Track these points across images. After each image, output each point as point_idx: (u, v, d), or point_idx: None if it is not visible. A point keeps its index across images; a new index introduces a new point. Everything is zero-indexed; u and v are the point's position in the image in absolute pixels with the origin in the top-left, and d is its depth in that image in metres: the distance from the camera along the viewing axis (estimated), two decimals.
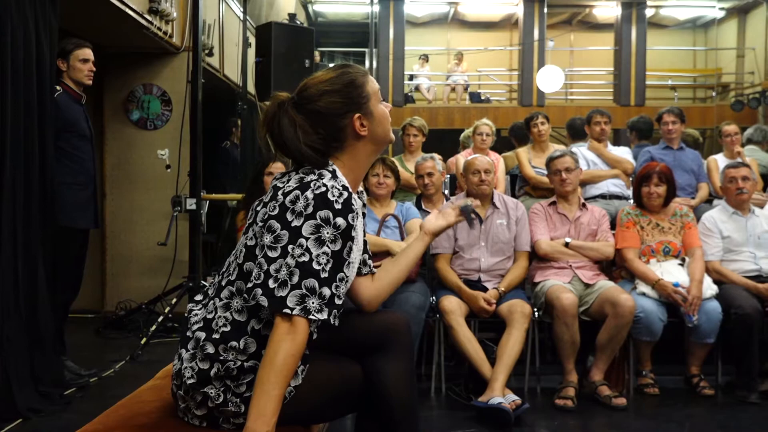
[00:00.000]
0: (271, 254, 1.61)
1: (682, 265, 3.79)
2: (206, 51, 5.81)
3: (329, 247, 1.60)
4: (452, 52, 14.38)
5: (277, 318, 1.58)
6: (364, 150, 1.80)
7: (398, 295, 3.56)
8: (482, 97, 14.10)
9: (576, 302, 3.55)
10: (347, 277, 1.67)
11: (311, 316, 1.57)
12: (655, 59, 14.15)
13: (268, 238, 1.62)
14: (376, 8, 13.32)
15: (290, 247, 1.59)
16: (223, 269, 1.79)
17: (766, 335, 3.76)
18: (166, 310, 4.73)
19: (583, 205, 4.01)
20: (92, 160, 3.88)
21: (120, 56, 5.61)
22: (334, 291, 1.61)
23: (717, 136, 5.89)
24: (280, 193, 1.66)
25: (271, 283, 1.58)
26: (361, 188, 1.95)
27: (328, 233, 1.60)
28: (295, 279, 1.57)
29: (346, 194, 1.65)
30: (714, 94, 14.52)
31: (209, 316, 1.71)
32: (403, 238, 3.81)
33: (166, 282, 5.09)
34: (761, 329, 3.64)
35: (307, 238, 1.59)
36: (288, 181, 1.69)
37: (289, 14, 6.89)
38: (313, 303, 1.57)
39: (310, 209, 1.60)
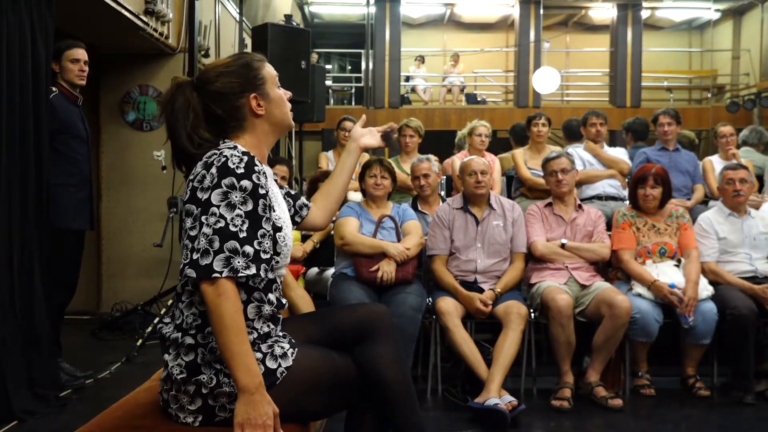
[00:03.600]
0: (192, 233, 1.67)
1: (677, 266, 3.80)
2: (202, 52, 5.81)
3: (241, 209, 1.67)
4: (448, 54, 14.39)
5: (203, 287, 1.63)
6: (262, 130, 1.88)
7: (395, 296, 3.57)
8: (478, 99, 14.12)
9: (571, 303, 3.55)
10: (269, 232, 1.74)
11: (240, 274, 1.63)
12: (650, 61, 14.17)
13: (188, 222, 1.69)
14: (372, 9, 13.33)
15: (203, 218, 1.65)
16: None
17: (762, 336, 3.78)
18: (162, 312, 4.72)
19: (579, 206, 4.02)
20: (88, 161, 3.87)
21: (116, 57, 5.60)
22: (257, 247, 1.68)
23: (712, 137, 5.91)
24: (190, 182, 1.74)
25: (194, 255, 1.63)
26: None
27: (236, 197, 1.67)
28: (216, 245, 1.63)
29: (246, 158, 1.72)
30: (709, 95, 14.56)
31: (178, 321, 1.76)
32: (399, 240, 3.81)
33: (162, 283, 5.08)
34: (757, 330, 3.66)
35: (218, 206, 1.65)
36: (195, 170, 1.75)
37: (286, 15, 6.89)
38: (238, 262, 1.63)
39: (215, 181, 1.67)
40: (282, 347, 1.76)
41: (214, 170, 1.68)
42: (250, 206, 1.68)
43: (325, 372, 1.80)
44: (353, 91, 14.63)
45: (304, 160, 8.41)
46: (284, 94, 1.93)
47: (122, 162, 5.67)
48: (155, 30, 5.00)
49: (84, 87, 3.88)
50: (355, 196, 4.70)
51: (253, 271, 1.65)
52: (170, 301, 1.97)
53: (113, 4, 4.21)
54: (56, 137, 3.65)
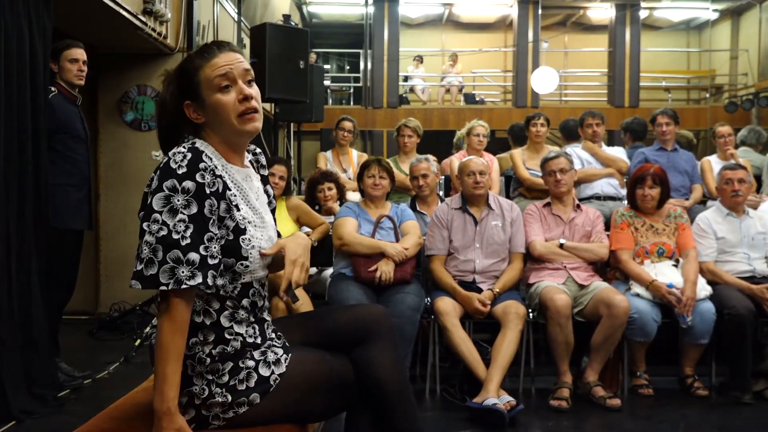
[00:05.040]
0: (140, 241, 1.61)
1: (676, 266, 3.81)
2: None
3: (184, 213, 1.58)
4: (447, 54, 14.40)
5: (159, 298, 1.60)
6: (214, 137, 1.73)
7: (394, 296, 3.57)
8: (477, 99, 14.12)
9: (569, 303, 3.55)
10: (217, 235, 1.63)
11: (184, 285, 1.56)
12: (648, 61, 14.19)
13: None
14: (371, 9, 13.32)
15: (145, 224, 1.58)
16: None
17: (760, 336, 3.78)
18: None
19: (578, 206, 4.02)
20: (87, 161, 3.87)
21: (114, 57, 5.60)
22: (203, 253, 1.59)
23: (711, 137, 5.91)
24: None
25: (138, 265, 1.57)
26: (257, 150, 1.92)
27: (179, 201, 1.58)
28: (160, 255, 1.56)
29: (191, 155, 1.62)
30: (707, 95, 14.58)
31: None
32: (398, 240, 3.81)
33: None
34: (754, 330, 3.66)
35: (160, 212, 1.57)
36: None
37: (284, 15, 6.89)
38: (183, 272, 1.56)
39: (156, 183, 1.60)
40: (275, 353, 1.75)
41: (158, 172, 1.61)
42: (194, 209, 1.59)
43: (321, 375, 1.78)
44: (352, 91, 14.64)
45: (302, 160, 8.42)
46: (236, 94, 1.69)
47: (120, 162, 5.66)
48: (153, 30, 5.00)
49: (82, 87, 3.87)
50: (354, 197, 4.71)
51: (199, 279, 1.57)
52: None
53: (111, 4, 4.20)
54: (55, 137, 3.64)
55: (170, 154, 1.62)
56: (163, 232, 1.56)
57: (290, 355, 1.76)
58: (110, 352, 4.40)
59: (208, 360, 1.67)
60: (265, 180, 1.93)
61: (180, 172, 1.59)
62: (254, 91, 1.74)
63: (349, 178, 5.35)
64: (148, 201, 1.59)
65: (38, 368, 3.36)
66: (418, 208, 4.30)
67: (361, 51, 13.94)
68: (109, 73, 5.66)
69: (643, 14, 14.06)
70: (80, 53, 3.80)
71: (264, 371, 1.71)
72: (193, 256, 1.57)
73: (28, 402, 3.22)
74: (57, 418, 3.22)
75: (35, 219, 3.40)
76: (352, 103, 14.31)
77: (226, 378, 1.68)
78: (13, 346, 3.20)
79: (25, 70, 3.32)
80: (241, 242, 1.68)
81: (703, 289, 3.71)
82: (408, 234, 3.82)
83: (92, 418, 1.81)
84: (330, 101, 13.64)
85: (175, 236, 1.56)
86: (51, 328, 3.61)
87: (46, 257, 3.50)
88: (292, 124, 8.60)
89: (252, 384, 1.69)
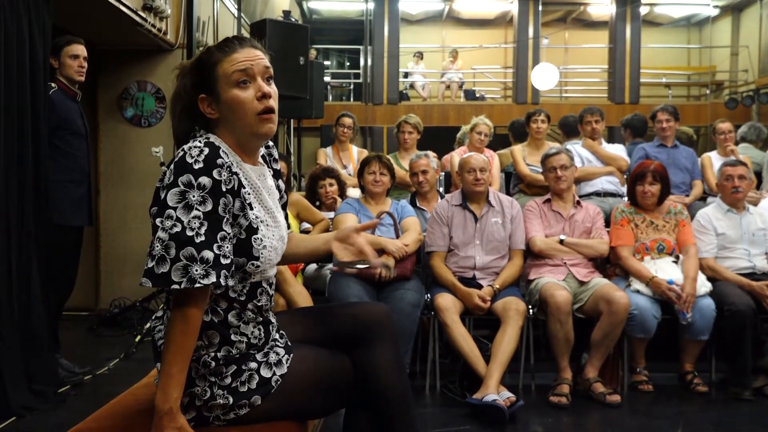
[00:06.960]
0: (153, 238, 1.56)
1: (676, 262, 3.81)
2: (200, 48, 5.80)
3: (199, 210, 1.53)
4: (447, 50, 14.39)
5: (171, 295, 1.57)
6: (228, 135, 1.69)
7: (393, 293, 3.57)
8: (477, 95, 14.11)
9: (570, 299, 3.56)
10: (229, 234, 1.59)
11: (197, 284, 1.51)
12: (649, 57, 14.17)
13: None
14: (371, 5, 13.31)
15: (159, 220, 1.54)
16: None
17: (759, 332, 3.79)
18: (160, 307, 4.72)
19: (578, 202, 4.02)
20: (86, 157, 3.87)
21: (114, 53, 5.59)
22: (217, 251, 1.54)
23: (711, 133, 5.91)
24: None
25: (149, 262, 1.52)
26: (270, 143, 1.86)
27: (194, 197, 1.53)
28: (173, 252, 1.51)
29: (208, 150, 1.57)
30: (708, 91, 14.57)
31: (168, 328, 1.70)
32: (398, 236, 3.81)
33: None
34: (754, 326, 3.66)
35: (174, 208, 1.52)
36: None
37: (284, 11, 6.89)
38: (196, 270, 1.51)
39: (171, 179, 1.55)
40: (277, 353, 1.74)
41: (172, 166, 1.56)
42: (209, 206, 1.54)
43: (321, 374, 1.77)
44: (352, 87, 14.64)
45: (302, 157, 8.42)
46: (254, 91, 1.66)
47: (120, 158, 5.66)
48: (153, 26, 4.99)
49: (82, 83, 3.87)
50: (354, 193, 4.71)
51: (212, 279, 1.53)
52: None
53: (111, 0, 4.19)
54: (55, 133, 3.64)
55: (185, 147, 1.58)
56: (177, 229, 1.52)
57: (291, 355, 1.76)
58: (110, 348, 4.41)
59: (213, 363, 1.66)
60: (277, 174, 1.89)
61: (196, 167, 1.55)
62: (273, 90, 1.70)
63: (350, 175, 5.35)
64: (162, 196, 1.55)
65: (38, 364, 3.36)
66: (418, 205, 4.30)
67: (361, 47, 13.93)
68: (109, 70, 5.66)
69: (643, 10, 14.05)
70: (81, 49, 3.80)
71: (266, 372, 1.70)
72: (207, 254, 1.53)
73: (29, 398, 3.22)
74: (57, 414, 3.22)
75: (35, 215, 3.40)
76: (352, 99, 14.30)
77: (228, 380, 1.67)
78: (13, 342, 3.20)
79: (25, 67, 3.31)
80: (253, 242, 1.65)
81: (703, 285, 3.71)
82: (408, 230, 3.82)
83: (92, 414, 1.81)
84: (330, 97, 13.63)
85: (189, 233, 1.52)
86: (51, 325, 3.61)
87: (46, 254, 3.50)
88: (291, 121, 8.60)
89: (254, 386, 1.68)
